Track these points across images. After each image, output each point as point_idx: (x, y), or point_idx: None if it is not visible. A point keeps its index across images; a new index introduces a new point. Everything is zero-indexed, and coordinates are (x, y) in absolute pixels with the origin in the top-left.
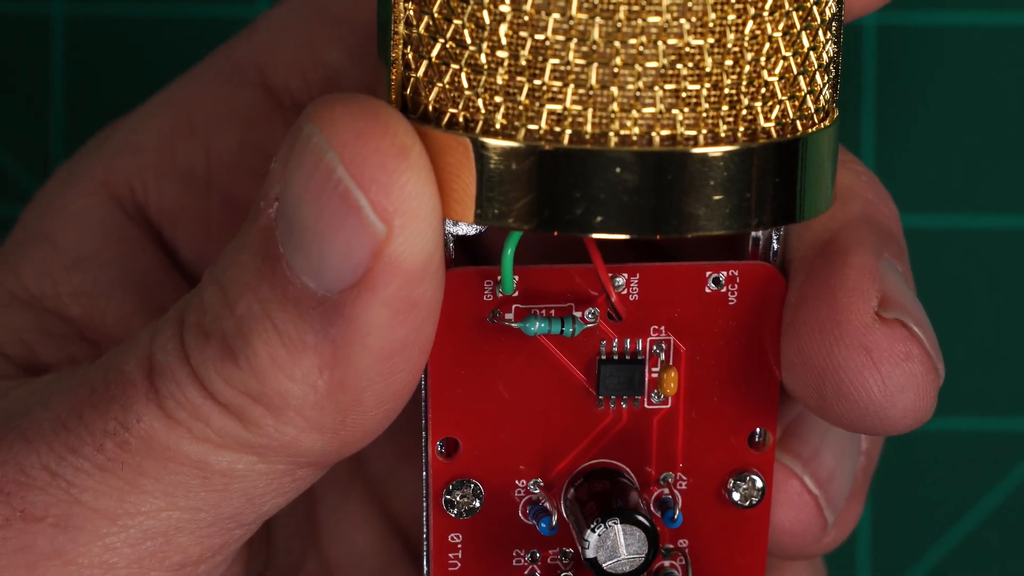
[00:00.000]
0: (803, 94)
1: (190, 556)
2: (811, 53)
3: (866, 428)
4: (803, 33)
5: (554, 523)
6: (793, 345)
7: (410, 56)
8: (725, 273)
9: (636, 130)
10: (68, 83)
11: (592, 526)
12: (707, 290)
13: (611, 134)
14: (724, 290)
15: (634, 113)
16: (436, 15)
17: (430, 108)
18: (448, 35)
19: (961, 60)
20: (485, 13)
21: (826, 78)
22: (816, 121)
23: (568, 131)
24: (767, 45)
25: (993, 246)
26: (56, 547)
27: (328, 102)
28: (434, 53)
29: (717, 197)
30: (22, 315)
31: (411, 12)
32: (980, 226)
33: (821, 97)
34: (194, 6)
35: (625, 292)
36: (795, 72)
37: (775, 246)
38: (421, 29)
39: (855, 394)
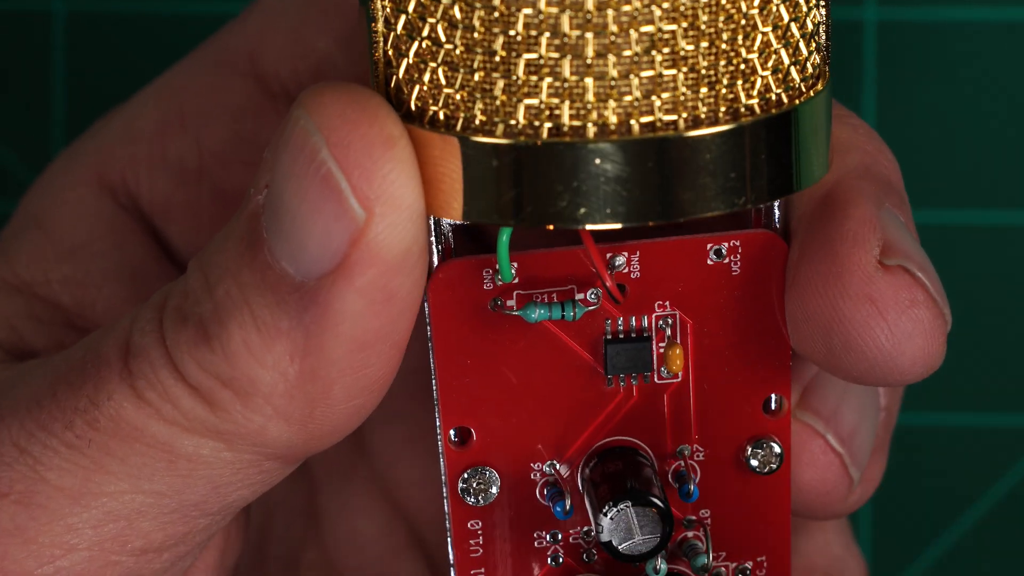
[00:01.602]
0: (786, 66)
1: (152, 542)
2: (792, 24)
3: (876, 379)
4: (781, 6)
5: (568, 507)
6: (797, 302)
7: (391, 54)
8: (727, 244)
9: (614, 119)
10: (69, 80)
11: (604, 510)
12: (709, 262)
13: (589, 125)
14: (727, 260)
15: (611, 102)
16: (411, 14)
17: (412, 106)
18: (424, 33)
19: (962, 56)
20: (457, 10)
21: (813, 45)
22: (804, 90)
23: (547, 124)
24: (743, 22)
25: (994, 242)
26: (17, 524)
27: (319, 89)
28: (412, 52)
29: (703, 179)
30: (12, 301)
31: (388, 11)
32: (981, 222)
33: (808, 65)
34: (194, 4)
35: (626, 271)
36: (775, 46)
37: (777, 212)
38: (399, 28)
39: (863, 346)
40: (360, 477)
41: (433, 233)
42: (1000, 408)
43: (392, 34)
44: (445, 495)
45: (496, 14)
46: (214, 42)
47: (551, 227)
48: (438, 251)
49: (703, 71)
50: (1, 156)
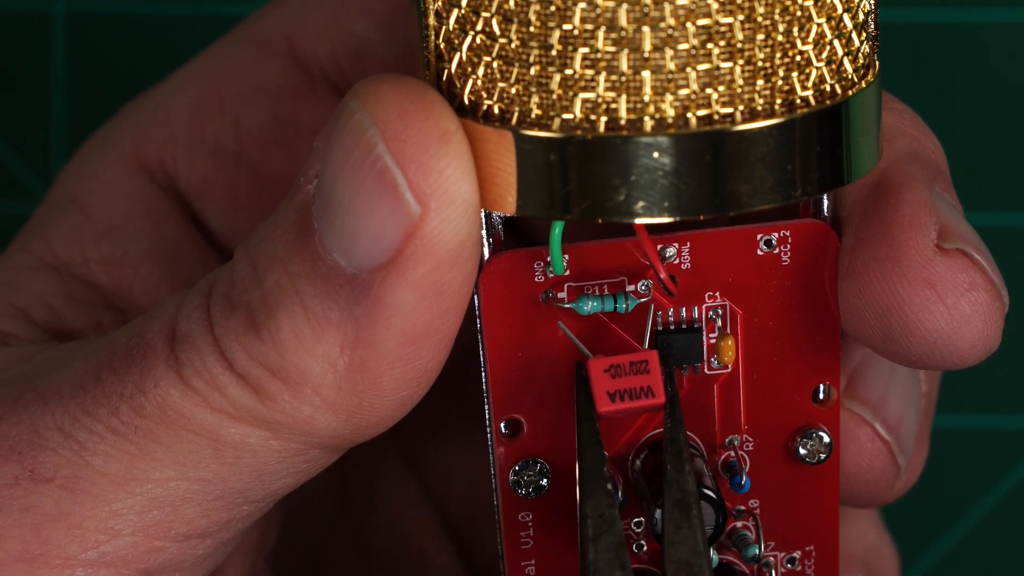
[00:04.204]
0: (840, 57)
1: (195, 528)
2: (845, 15)
3: (935, 363)
4: None
5: (620, 497)
6: (853, 288)
7: (443, 48)
8: (777, 234)
9: (671, 112)
10: (69, 80)
11: (658, 503)
12: (759, 252)
13: (646, 119)
14: (776, 251)
15: (668, 96)
16: (464, 8)
17: (466, 100)
18: (478, 28)
19: (962, 56)
20: (512, 4)
21: (864, 35)
22: (856, 81)
23: (603, 118)
24: (798, 14)
25: (996, 243)
26: (62, 509)
27: (375, 81)
28: (465, 46)
29: (759, 172)
30: (50, 280)
31: (440, 5)
32: (983, 223)
33: (860, 55)
34: (194, 4)
35: (677, 262)
36: (830, 37)
37: (826, 201)
38: (451, 22)
39: (922, 329)
40: (391, 459)
41: (484, 225)
42: (1000, 409)
43: (444, 28)
44: (495, 487)
45: (552, 8)
46: (252, 23)
47: (600, 220)
48: (489, 243)
49: (759, 63)
50: (1, 156)
